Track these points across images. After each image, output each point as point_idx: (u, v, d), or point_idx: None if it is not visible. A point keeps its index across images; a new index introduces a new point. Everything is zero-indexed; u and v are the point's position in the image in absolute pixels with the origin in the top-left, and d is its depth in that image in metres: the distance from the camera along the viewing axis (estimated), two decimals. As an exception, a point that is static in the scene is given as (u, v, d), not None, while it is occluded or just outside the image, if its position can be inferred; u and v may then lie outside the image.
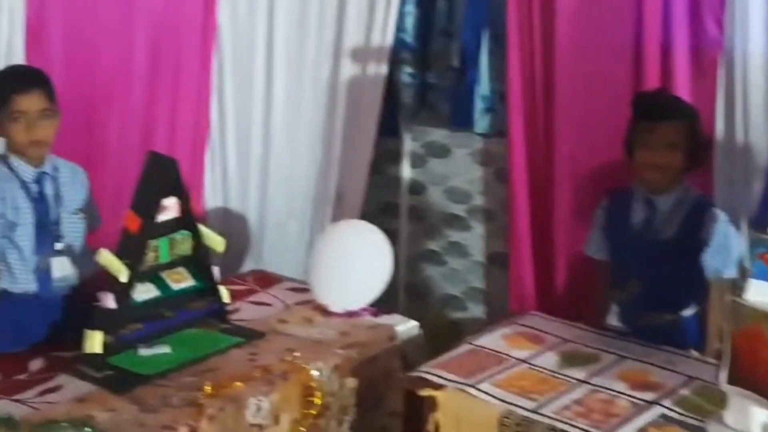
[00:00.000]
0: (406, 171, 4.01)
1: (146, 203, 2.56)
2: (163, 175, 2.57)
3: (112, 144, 3.21)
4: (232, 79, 3.52)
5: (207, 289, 2.76)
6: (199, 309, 2.76)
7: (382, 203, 4.08)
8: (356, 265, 2.93)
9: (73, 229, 2.73)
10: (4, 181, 2.64)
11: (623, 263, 2.80)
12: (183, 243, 2.68)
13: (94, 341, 2.48)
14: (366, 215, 3.83)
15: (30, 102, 2.59)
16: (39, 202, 2.67)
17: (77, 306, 2.68)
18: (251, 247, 3.72)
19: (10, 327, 2.65)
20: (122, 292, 2.52)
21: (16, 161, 2.66)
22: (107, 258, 2.52)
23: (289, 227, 3.80)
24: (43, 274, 2.66)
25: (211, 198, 3.61)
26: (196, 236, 2.70)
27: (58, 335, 2.67)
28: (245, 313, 2.95)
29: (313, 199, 3.84)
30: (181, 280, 2.70)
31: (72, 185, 2.75)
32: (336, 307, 2.95)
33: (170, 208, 2.61)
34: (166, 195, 2.58)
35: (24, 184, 2.66)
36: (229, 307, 2.84)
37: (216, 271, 2.75)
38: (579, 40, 3.21)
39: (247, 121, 3.62)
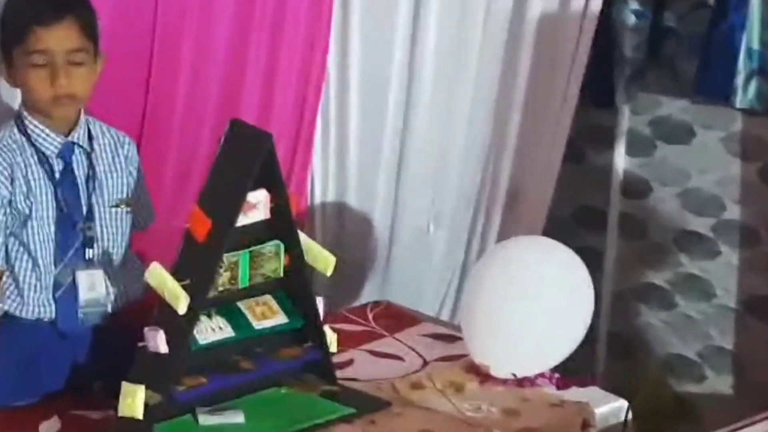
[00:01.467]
0: (621, 161, 4.01)
1: (222, 197, 2.54)
2: (250, 157, 2.53)
3: (178, 103, 3.22)
4: (360, 16, 3.51)
5: (305, 329, 2.72)
6: (292, 359, 2.73)
7: (580, 208, 4.12)
8: (536, 308, 2.86)
9: (112, 229, 2.74)
10: (15, 153, 2.66)
11: None
12: (272, 259, 2.64)
13: (135, 400, 2.47)
14: (553, 226, 3.88)
15: (56, 38, 2.60)
16: (65, 186, 2.69)
17: (113, 343, 2.68)
18: (375, 266, 3.74)
19: (15, 369, 2.67)
20: (179, 328, 2.51)
21: (34, 125, 2.67)
22: (160, 277, 2.50)
23: (433, 239, 3.81)
24: (64, 293, 2.69)
25: (319, 193, 3.63)
26: (293, 250, 2.66)
27: (83, 385, 2.69)
28: (361, 367, 2.95)
29: (473, 199, 3.84)
30: (268, 315, 2.67)
31: (114, 163, 2.76)
32: (501, 369, 2.90)
33: (257, 206, 2.57)
34: (253, 186, 2.54)
35: (44, 159, 2.67)
36: (336, 359, 2.82)
37: (320, 303, 2.71)
38: None
39: (380, 79, 3.60)
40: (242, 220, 2.55)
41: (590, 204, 4.07)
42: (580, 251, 3.03)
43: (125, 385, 2.49)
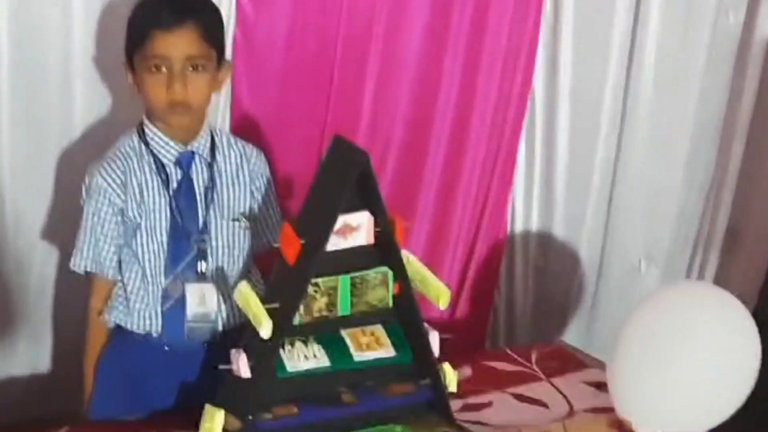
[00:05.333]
0: None
1: (315, 217, 2.47)
2: (345, 176, 2.44)
3: (363, 117, 3.24)
4: (572, 28, 3.47)
5: (418, 365, 2.61)
6: (403, 396, 2.62)
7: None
8: (689, 361, 2.65)
9: (228, 243, 2.72)
10: (131, 159, 2.67)
11: None
12: (379, 287, 2.54)
13: (213, 425, 2.45)
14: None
15: (175, 43, 2.59)
16: (181, 196, 2.68)
17: (224, 364, 2.59)
18: (580, 304, 3.70)
19: (122, 381, 2.71)
20: (264, 353, 2.45)
21: (153, 132, 2.69)
22: (246, 298, 2.45)
23: (644, 278, 3.72)
24: (173, 306, 2.69)
25: (521, 220, 3.60)
26: (402, 277, 2.54)
27: (193, 405, 2.62)
28: (497, 411, 2.83)
29: (692, 236, 3.77)
30: (373, 347, 2.57)
31: (238, 176, 2.74)
32: (646, 427, 2.72)
33: (359, 229, 2.48)
34: (354, 208, 2.46)
35: (161, 167, 2.68)
36: (475, 399, 2.79)
37: (434, 338, 2.59)
38: None
39: (592, 99, 3.55)
40: (341, 244, 2.47)
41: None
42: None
43: (207, 408, 2.48)
